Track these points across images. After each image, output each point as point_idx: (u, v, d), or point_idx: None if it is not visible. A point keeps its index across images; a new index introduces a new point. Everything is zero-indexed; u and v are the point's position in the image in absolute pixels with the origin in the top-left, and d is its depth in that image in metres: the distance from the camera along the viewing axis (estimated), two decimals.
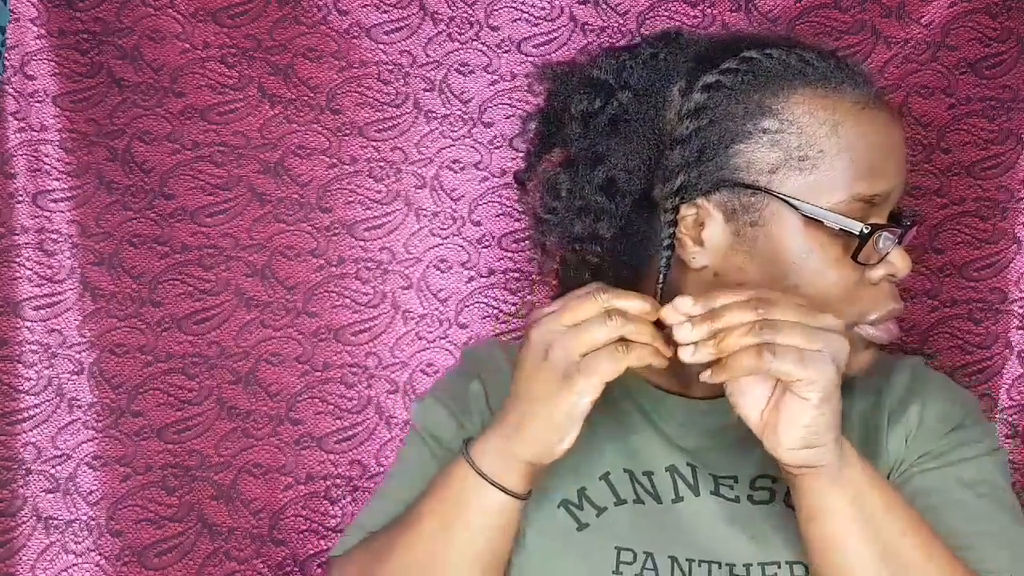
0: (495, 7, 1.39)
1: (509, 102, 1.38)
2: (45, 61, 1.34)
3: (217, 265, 1.36)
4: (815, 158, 0.98)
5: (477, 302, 1.38)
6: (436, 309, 1.38)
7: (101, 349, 1.34)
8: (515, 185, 1.17)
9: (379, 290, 1.38)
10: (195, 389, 1.35)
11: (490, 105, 1.39)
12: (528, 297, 1.38)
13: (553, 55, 1.38)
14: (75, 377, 1.33)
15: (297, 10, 1.38)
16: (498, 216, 1.39)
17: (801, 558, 0.99)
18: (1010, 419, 1.34)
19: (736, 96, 0.99)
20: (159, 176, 1.36)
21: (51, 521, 1.32)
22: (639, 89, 1.04)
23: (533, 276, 1.38)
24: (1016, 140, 1.36)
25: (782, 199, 0.98)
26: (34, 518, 1.32)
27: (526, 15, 1.39)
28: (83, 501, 1.32)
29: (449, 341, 1.38)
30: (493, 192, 1.39)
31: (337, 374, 1.37)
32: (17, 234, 1.33)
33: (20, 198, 1.33)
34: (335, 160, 1.38)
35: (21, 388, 1.32)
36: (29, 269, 1.33)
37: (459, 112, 1.39)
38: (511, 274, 1.39)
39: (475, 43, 1.39)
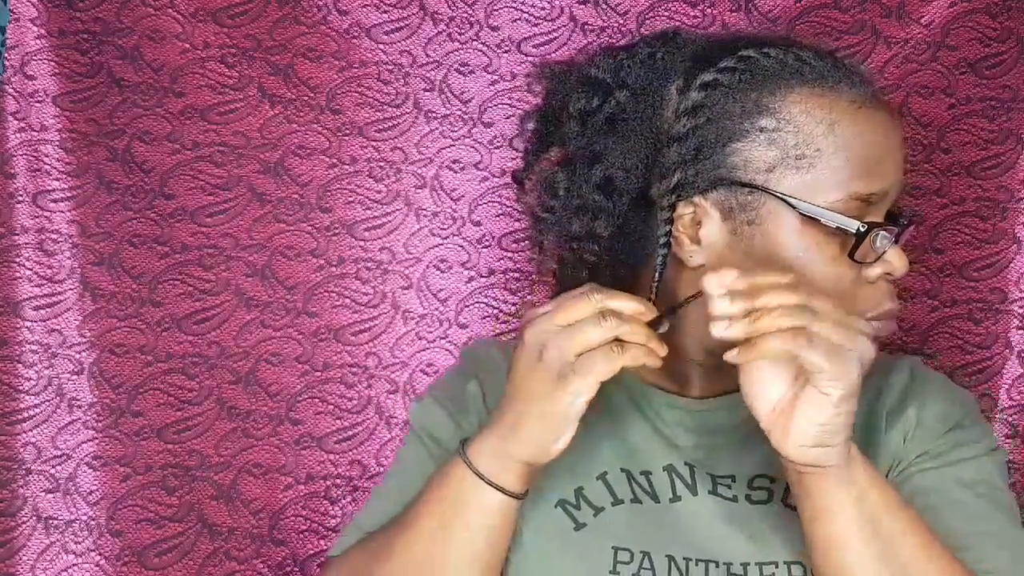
0: (495, 7, 1.39)
1: (509, 102, 1.38)
2: (45, 61, 1.34)
3: (217, 265, 1.36)
4: (812, 157, 0.98)
5: (477, 302, 1.38)
6: (436, 309, 1.38)
7: (101, 349, 1.34)
8: (514, 184, 1.17)
9: (379, 290, 1.38)
10: (195, 389, 1.35)
11: (490, 105, 1.39)
12: (528, 297, 1.38)
13: (553, 55, 1.38)
14: (75, 377, 1.33)
15: (297, 10, 1.37)
16: (498, 216, 1.39)
17: (799, 558, 0.99)
18: (1010, 419, 1.33)
19: (733, 95, 0.99)
20: (159, 176, 1.36)
21: (51, 521, 1.32)
22: (637, 88, 1.04)
23: (533, 276, 1.37)
24: (1016, 140, 1.36)
25: (779, 197, 0.97)
26: (34, 518, 1.32)
27: (526, 15, 1.39)
28: (83, 501, 1.32)
29: (449, 341, 1.38)
30: (493, 192, 1.39)
31: (337, 374, 1.37)
32: (17, 234, 1.33)
33: (20, 198, 1.33)
34: (335, 160, 1.38)
35: (21, 388, 1.32)
36: (29, 269, 1.33)
37: (459, 112, 1.39)
38: (511, 274, 1.38)
39: (475, 43, 1.39)
